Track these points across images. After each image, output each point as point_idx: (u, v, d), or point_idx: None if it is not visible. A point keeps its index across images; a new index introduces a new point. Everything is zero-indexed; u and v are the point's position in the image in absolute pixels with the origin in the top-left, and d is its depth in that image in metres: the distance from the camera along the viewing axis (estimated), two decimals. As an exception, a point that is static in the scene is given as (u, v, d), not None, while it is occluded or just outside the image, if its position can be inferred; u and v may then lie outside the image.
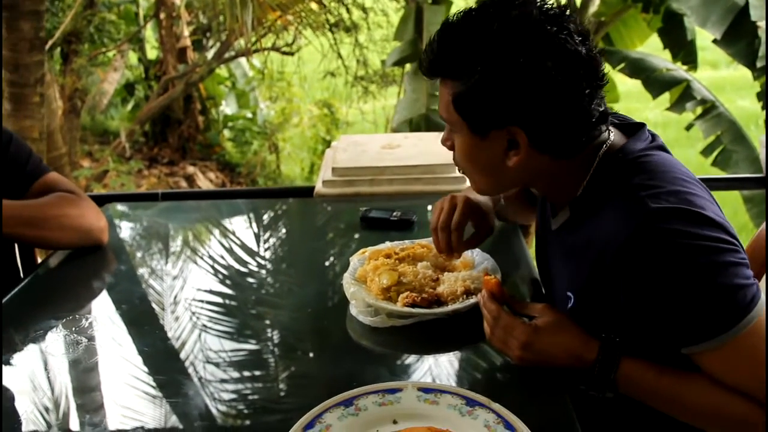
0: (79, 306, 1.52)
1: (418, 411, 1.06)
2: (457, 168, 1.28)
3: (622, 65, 5.06)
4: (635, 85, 5.16)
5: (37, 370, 1.26)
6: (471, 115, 1.14)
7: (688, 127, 4.85)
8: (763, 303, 1.03)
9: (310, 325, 1.43)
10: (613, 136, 1.19)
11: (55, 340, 1.35)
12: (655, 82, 4.79)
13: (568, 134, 1.12)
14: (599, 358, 1.10)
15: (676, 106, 4.72)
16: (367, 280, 1.43)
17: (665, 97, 4.94)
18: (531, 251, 1.68)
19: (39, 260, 1.91)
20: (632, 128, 1.22)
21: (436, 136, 2.37)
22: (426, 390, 1.09)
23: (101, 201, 2.18)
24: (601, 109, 1.13)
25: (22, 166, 1.70)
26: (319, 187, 2.13)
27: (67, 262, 1.74)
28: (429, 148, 2.24)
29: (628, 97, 8.12)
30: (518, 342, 1.13)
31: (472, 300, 1.34)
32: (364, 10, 7.97)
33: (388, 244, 1.58)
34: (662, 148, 1.19)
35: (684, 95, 4.64)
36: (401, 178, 2.07)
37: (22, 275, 1.84)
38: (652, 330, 1.10)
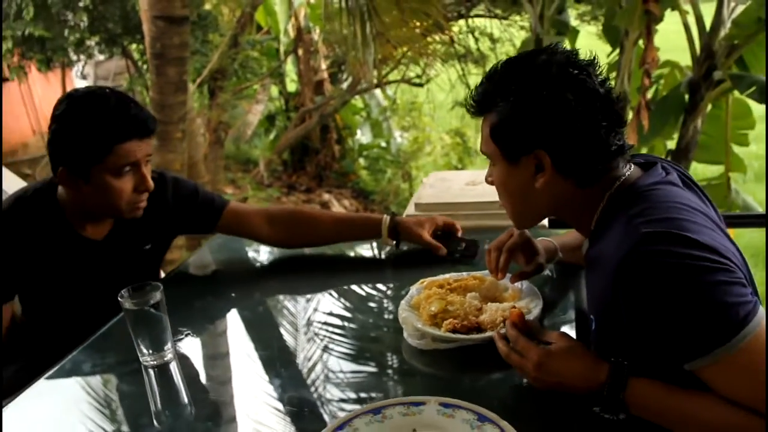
0: (214, 318, 1.74)
1: (436, 423, 1.22)
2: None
3: (752, 90, 4.90)
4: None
5: (172, 380, 1.46)
6: (505, 144, 1.32)
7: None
8: (763, 319, 1.08)
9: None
10: (632, 171, 1.32)
11: (189, 352, 1.58)
12: (784, 107, 4.61)
13: (587, 160, 1.27)
14: (608, 380, 1.20)
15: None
16: (420, 307, 1.60)
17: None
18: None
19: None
20: (650, 165, 1.34)
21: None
22: (446, 405, 1.25)
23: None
24: (619, 143, 1.27)
25: (212, 203, 2.01)
26: (403, 223, 2.32)
27: (195, 278, 2.03)
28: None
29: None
30: (531, 363, 1.27)
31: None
32: (492, 40, 8.13)
33: (448, 275, 1.75)
34: (672, 182, 1.29)
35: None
36: (477, 214, 2.23)
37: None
38: (654, 348, 1.18)
